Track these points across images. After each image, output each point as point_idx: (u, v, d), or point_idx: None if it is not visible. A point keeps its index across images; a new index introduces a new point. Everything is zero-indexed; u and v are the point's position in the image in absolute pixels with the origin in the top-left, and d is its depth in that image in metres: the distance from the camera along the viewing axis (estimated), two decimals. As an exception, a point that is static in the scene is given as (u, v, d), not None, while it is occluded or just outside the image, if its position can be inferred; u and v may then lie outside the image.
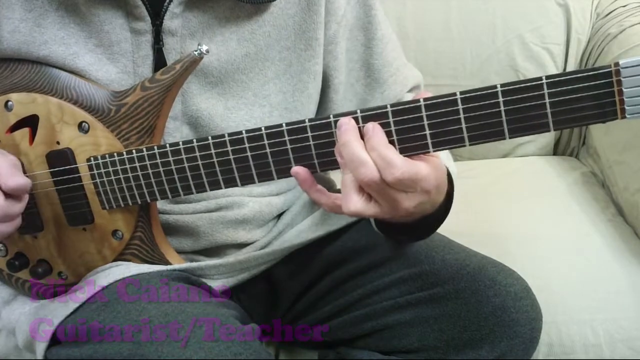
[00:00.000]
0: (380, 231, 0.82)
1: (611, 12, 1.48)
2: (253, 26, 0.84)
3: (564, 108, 0.60)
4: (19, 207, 0.75)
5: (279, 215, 0.96)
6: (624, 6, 1.47)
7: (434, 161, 0.66)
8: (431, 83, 1.50)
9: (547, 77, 0.60)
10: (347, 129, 0.65)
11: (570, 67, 1.51)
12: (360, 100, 0.94)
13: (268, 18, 0.84)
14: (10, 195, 0.73)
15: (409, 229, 0.76)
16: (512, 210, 1.28)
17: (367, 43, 0.92)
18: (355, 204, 0.65)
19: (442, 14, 1.51)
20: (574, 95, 0.60)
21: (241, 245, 0.91)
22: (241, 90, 0.85)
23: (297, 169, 0.69)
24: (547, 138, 1.55)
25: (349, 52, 0.91)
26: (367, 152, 0.64)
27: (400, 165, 0.63)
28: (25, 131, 0.80)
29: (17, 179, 0.73)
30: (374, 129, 0.65)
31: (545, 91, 0.60)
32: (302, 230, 0.94)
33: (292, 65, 0.87)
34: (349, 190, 0.66)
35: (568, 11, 1.49)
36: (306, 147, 0.69)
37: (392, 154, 0.64)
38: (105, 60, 0.80)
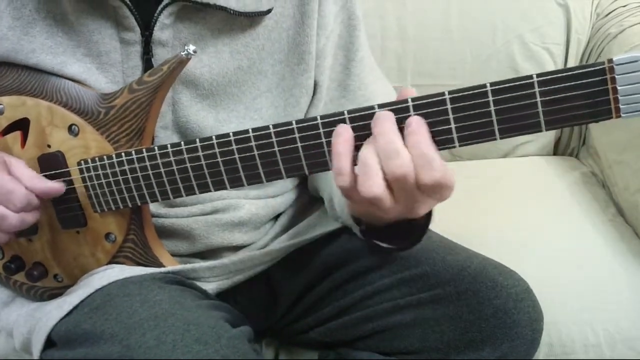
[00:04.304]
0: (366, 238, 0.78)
1: (611, 12, 1.48)
2: (247, 39, 0.83)
3: (556, 107, 0.58)
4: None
5: (276, 218, 0.96)
6: (624, 6, 1.46)
7: None
8: (431, 83, 1.50)
9: (538, 75, 0.58)
10: (386, 118, 0.61)
11: (570, 67, 1.50)
12: None
13: (262, 31, 0.84)
14: None
15: (398, 235, 0.74)
16: (512, 210, 1.27)
17: (346, 64, 0.91)
18: (379, 187, 0.61)
19: (442, 14, 1.50)
20: (567, 94, 0.58)
21: (237, 248, 0.91)
22: (233, 103, 0.85)
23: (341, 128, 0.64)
24: (547, 138, 1.54)
25: (329, 70, 0.90)
26: (407, 148, 0.60)
27: (441, 167, 0.60)
28: (16, 134, 0.79)
29: (49, 184, 0.76)
30: (418, 124, 0.61)
31: (537, 90, 0.58)
32: (299, 232, 0.93)
33: (285, 79, 0.87)
34: (375, 171, 0.61)
35: (568, 11, 1.48)
36: (294, 149, 0.68)
37: (435, 154, 0.60)
38: (95, 70, 0.80)
